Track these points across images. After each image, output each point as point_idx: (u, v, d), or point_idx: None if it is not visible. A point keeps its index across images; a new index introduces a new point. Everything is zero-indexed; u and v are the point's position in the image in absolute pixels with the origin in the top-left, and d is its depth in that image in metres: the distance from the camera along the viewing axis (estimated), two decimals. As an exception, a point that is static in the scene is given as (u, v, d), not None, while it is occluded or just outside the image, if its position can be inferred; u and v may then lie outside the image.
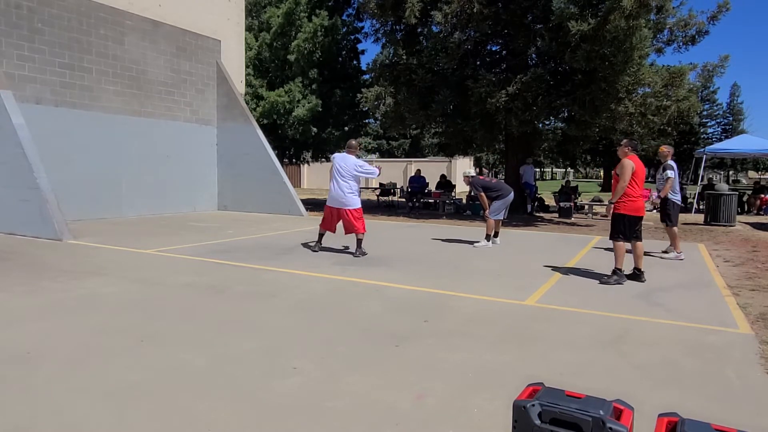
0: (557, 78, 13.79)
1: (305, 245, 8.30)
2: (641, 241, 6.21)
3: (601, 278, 6.07)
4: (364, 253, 7.45)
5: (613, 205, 6.07)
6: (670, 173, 7.78)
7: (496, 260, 7.48)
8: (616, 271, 5.99)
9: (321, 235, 7.86)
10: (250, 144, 14.04)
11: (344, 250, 7.93)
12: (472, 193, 8.49)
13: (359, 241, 7.52)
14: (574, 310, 4.77)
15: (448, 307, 4.77)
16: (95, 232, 9.32)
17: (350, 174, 7.38)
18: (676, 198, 8.01)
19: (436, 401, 2.83)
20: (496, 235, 8.92)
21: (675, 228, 7.88)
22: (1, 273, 5.89)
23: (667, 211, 7.94)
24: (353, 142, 7.79)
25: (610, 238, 6.17)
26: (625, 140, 6.19)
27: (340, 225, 7.63)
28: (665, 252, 8.03)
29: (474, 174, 8.96)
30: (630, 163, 5.90)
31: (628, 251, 6.19)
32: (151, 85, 12.76)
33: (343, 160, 7.47)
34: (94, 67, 11.46)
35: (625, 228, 6.03)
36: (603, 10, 11.17)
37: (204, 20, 13.91)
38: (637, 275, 6.14)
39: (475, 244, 8.69)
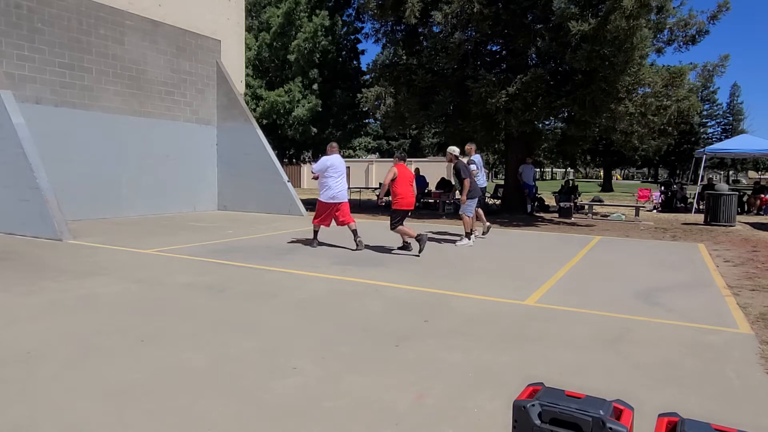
0: (557, 78, 13.79)
1: (305, 245, 8.31)
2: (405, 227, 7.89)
3: (392, 250, 7.72)
4: (363, 243, 8.09)
5: (382, 199, 8.34)
6: (473, 166, 9.00)
7: (496, 260, 7.48)
8: (419, 237, 7.53)
9: (317, 232, 8.31)
10: (250, 144, 14.04)
11: (342, 246, 7.94)
12: (458, 176, 8.68)
13: (356, 231, 8.11)
14: (574, 310, 4.77)
15: (448, 307, 4.77)
16: (95, 232, 9.32)
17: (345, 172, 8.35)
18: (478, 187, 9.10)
19: (436, 401, 2.83)
20: (488, 229, 9.35)
21: (468, 216, 8.69)
22: (1, 273, 5.89)
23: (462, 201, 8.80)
24: (335, 143, 8.52)
25: (391, 229, 7.84)
26: (396, 153, 8.17)
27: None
28: (462, 237, 8.86)
29: (459, 156, 8.79)
30: (394, 170, 7.71)
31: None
32: (151, 85, 12.76)
33: (342, 160, 8.19)
34: (94, 67, 11.46)
35: (399, 219, 7.77)
36: (603, 10, 11.17)
37: (204, 20, 13.91)
38: (405, 246, 7.92)
39: (457, 243, 8.76)
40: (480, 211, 9.31)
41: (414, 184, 8.03)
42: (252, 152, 14.02)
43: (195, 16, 13.65)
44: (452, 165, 8.69)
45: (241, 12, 15.16)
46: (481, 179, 9.41)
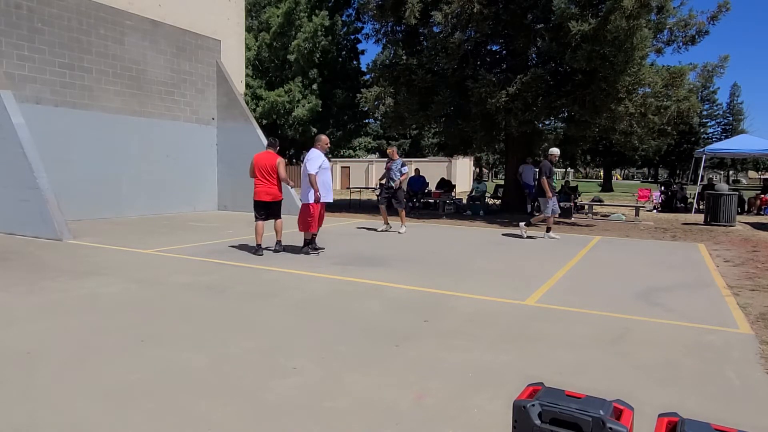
0: (557, 78, 13.79)
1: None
2: (264, 222, 7.60)
3: (256, 251, 7.40)
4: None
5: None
6: (405, 168, 10.29)
7: (496, 260, 7.48)
8: (276, 246, 7.57)
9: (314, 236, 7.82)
10: (250, 144, 14.03)
11: (342, 247, 7.93)
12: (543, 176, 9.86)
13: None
14: (574, 310, 4.77)
15: (448, 307, 4.77)
16: (95, 232, 9.32)
17: None
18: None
19: (436, 401, 2.83)
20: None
21: (404, 210, 10.36)
22: (1, 273, 5.89)
23: (396, 197, 10.17)
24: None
25: (256, 221, 7.53)
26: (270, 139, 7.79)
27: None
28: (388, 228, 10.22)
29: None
30: (252, 161, 7.44)
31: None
32: (151, 85, 12.76)
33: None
34: (94, 67, 11.46)
35: (255, 213, 7.49)
36: (603, 10, 11.18)
37: (204, 20, 13.91)
38: (275, 248, 7.66)
39: (547, 236, 9.93)
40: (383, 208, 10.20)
41: (271, 171, 7.65)
42: (252, 152, 13.97)
43: (195, 16, 13.65)
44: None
45: (241, 12, 15.16)
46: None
